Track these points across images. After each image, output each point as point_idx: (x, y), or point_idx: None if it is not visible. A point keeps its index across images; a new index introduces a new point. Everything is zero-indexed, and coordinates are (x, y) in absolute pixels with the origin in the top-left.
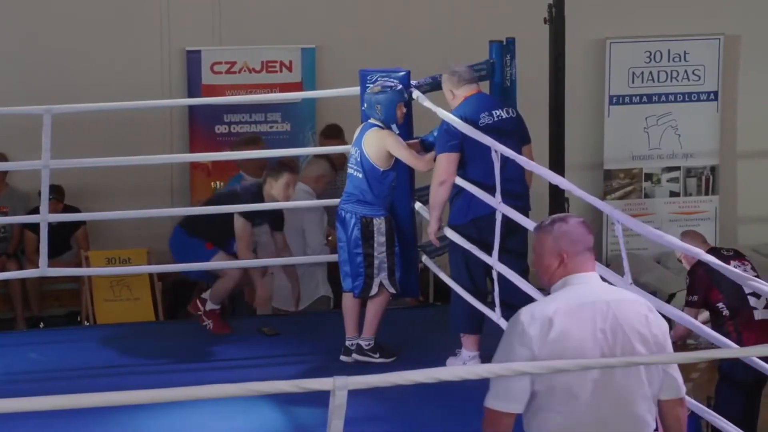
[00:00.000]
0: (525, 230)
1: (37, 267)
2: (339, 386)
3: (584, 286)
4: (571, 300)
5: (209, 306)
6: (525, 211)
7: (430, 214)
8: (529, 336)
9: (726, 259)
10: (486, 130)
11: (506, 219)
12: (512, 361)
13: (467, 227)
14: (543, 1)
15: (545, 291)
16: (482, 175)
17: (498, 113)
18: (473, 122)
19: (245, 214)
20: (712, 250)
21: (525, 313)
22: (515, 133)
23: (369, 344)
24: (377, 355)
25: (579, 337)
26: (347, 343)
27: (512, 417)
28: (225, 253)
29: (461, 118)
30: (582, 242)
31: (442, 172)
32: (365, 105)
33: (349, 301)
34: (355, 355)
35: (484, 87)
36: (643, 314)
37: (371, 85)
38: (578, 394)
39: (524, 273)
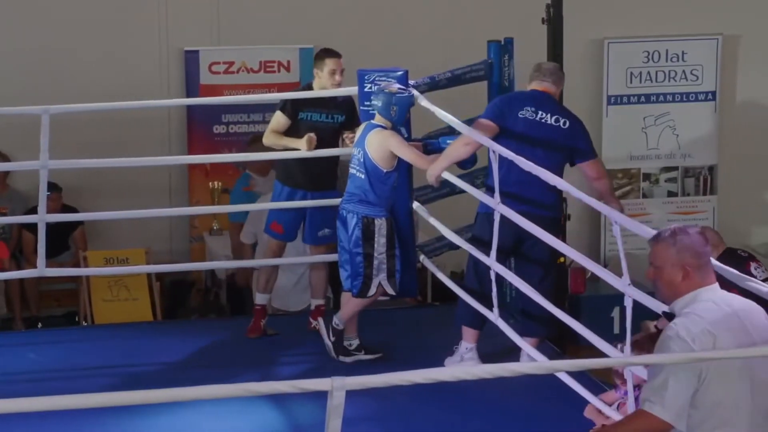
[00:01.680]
0: (540, 239)
1: (35, 267)
2: (337, 387)
3: (716, 298)
4: (717, 313)
5: (257, 300)
6: (547, 219)
7: (439, 159)
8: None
9: (743, 260)
10: (522, 123)
11: (518, 223)
12: (680, 378)
13: (482, 218)
14: (541, 1)
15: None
16: (504, 176)
17: (543, 116)
18: (510, 110)
19: (287, 111)
20: (728, 251)
21: (682, 331)
22: (557, 144)
23: (338, 325)
24: (334, 339)
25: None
26: (345, 343)
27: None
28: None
29: (501, 100)
30: (705, 254)
31: (472, 130)
32: (378, 103)
33: (348, 299)
34: (320, 321)
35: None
36: (765, 320)
37: (383, 83)
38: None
39: (541, 282)
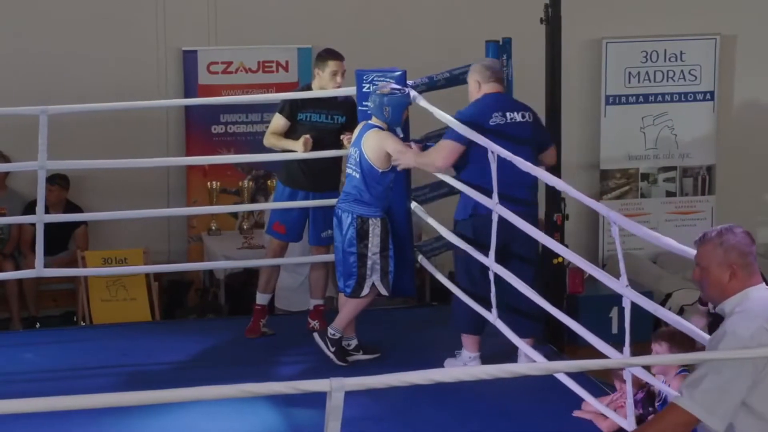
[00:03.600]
0: (528, 236)
1: (34, 261)
2: (336, 387)
3: (766, 296)
4: None
5: (257, 300)
6: (531, 216)
7: (418, 155)
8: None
9: None
10: (496, 130)
11: (508, 223)
12: (724, 374)
13: (466, 223)
14: (539, 1)
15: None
16: (482, 176)
17: (512, 116)
18: (483, 121)
19: (285, 112)
20: None
21: (740, 328)
22: (529, 139)
23: (334, 334)
24: (334, 349)
25: None
26: (343, 343)
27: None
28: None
29: (472, 115)
30: (751, 253)
31: (443, 159)
32: (371, 105)
33: (344, 301)
34: (316, 336)
35: None
36: None
37: (379, 84)
38: None
39: (533, 280)
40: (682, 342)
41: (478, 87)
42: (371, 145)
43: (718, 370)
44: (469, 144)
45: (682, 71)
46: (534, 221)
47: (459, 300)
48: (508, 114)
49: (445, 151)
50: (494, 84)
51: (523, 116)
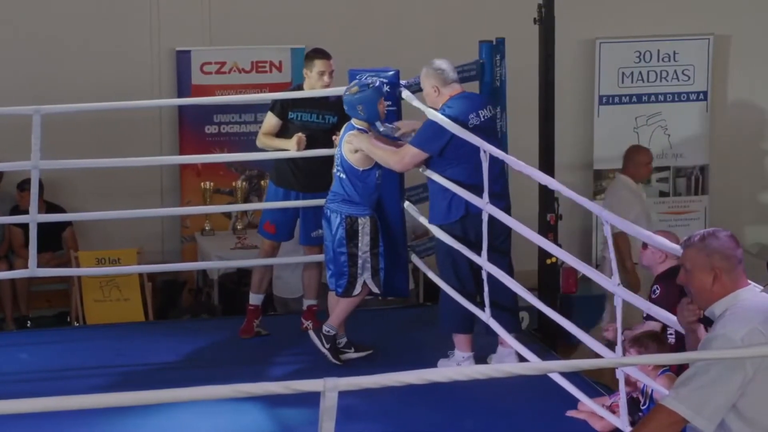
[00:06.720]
0: (509, 229)
1: (25, 260)
2: (329, 387)
3: (758, 298)
4: (764, 313)
5: (250, 300)
6: (508, 210)
7: (375, 146)
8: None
9: None
10: (473, 131)
11: (491, 219)
12: (712, 375)
13: (452, 227)
14: (533, 1)
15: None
16: (468, 175)
17: (484, 114)
18: (463, 123)
19: (276, 110)
20: None
21: (730, 330)
22: (497, 132)
23: (329, 332)
24: (329, 346)
25: None
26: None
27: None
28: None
29: (451, 119)
30: (734, 257)
31: (405, 163)
32: (346, 107)
33: (334, 300)
34: (311, 333)
35: (474, 87)
36: None
37: (348, 87)
38: None
39: (510, 272)
40: (649, 342)
41: (436, 92)
42: (349, 146)
43: (707, 370)
44: (451, 144)
45: (676, 71)
46: (509, 213)
47: (447, 301)
48: (480, 113)
49: (407, 158)
50: (454, 85)
51: (490, 110)
